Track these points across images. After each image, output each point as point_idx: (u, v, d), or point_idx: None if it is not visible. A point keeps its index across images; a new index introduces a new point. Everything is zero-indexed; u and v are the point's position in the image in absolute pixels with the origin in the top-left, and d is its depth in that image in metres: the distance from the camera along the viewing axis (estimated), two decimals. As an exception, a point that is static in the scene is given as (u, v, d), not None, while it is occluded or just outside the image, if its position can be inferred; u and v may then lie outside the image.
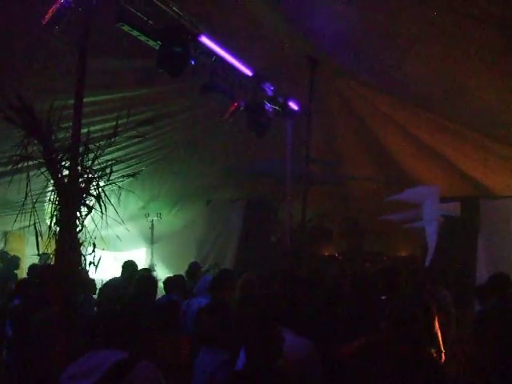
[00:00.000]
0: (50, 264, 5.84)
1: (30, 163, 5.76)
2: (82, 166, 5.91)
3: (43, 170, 5.89)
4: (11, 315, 7.27)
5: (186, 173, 14.68)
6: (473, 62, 8.13)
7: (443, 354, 7.33)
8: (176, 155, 13.84)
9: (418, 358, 4.47)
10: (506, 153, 10.92)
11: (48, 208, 5.88)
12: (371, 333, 5.21)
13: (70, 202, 5.73)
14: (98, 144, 6.07)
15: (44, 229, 5.82)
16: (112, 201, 6.18)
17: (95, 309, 7.80)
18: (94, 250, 5.98)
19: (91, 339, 4.05)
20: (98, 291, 8.42)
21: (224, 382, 4.65)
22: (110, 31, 7.13)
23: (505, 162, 11.39)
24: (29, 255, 12.41)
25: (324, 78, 11.78)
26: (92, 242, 5.97)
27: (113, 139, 6.09)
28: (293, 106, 11.73)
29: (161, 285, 8.60)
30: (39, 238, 5.73)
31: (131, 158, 11.95)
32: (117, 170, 6.57)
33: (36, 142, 5.73)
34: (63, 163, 5.83)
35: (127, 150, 11.20)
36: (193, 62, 8.28)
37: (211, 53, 8.71)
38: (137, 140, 9.12)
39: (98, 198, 5.94)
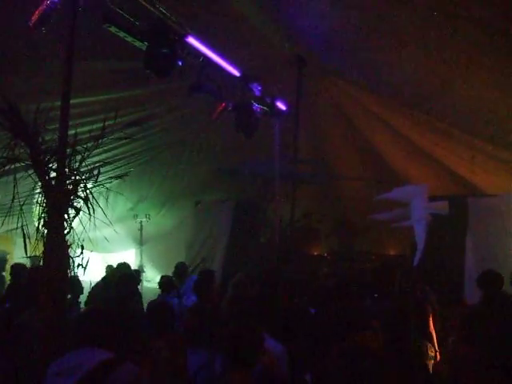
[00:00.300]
0: (39, 266, 5.83)
1: (17, 165, 5.74)
2: (69, 168, 5.89)
3: (30, 172, 5.87)
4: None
5: (175, 174, 14.66)
6: (460, 61, 8.16)
7: (438, 353, 7.38)
8: (164, 156, 13.82)
9: (407, 358, 4.47)
10: (493, 152, 10.97)
11: (36, 210, 5.86)
12: (357, 334, 5.21)
13: (58, 204, 5.71)
14: (85, 146, 6.06)
15: (32, 231, 5.80)
16: (100, 202, 6.17)
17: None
18: (82, 252, 5.97)
19: (75, 337, 4.02)
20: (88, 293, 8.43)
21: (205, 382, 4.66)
22: (97, 32, 7.11)
23: (492, 161, 11.44)
24: (17, 257, 12.36)
25: (312, 78, 11.80)
26: (80, 243, 5.95)
27: (100, 141, 6.08)
28: (281, 105, 11.72)
29: (151, 285, 8.61)
30: (27, 241, 5.71)
31: (119, 160, 11.91)
32: (104, 172, 6.54)
33: (23, 144, 5.70)
34: (50, 165, 5.81)
35: (115, 152, 11.16)
36: (180, 63, 8.25)
37: (198, 53, 8.68)
38: (124, 141, 9.10)
39: (85, 199, 5.92)
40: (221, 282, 9.52)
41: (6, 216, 5.67)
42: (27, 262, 9.12)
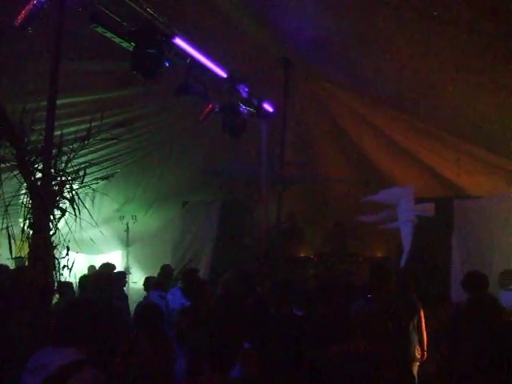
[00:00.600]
0: (24, 267, 5.81)
1: (3, 166, 5.71)
2: (55, 169, 5.87)
3: (16, 172, 5.85)
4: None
5: (161, 175, 14.62)
6: (445, 64, 8.20)
7: (426, 352, 7.45)
8: (151, 157, 13.79)
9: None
10: (478, 153, 11.03)
11: (21, 211, 5.83)
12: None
13: (44, 205, 5.68)
14: (71, 146, 6.04)
15: (17, 232, 5.78)
16: (86, 203, 6.15)
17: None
18: (67, 254, 5.95)
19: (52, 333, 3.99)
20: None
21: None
22: (84, 33, 7.08)
23: (477, 163, 11.50)
24: (2, 259, 12.29)
25: (299, 80, 11.82)
26: (66, 245, 5.93)
27: (86, 141, 6.07)
28: (267, 107, 11.73)
29: (138, 286, 8.59)
30: (12, 241, 5.69)
31: (105, 161, 11.86)
32: (91, 173, 6.54)
33: (8, 144, 5.68)
34: (36, 166, 5.79)
35: (101, 153, 11.11)
36: (167, 64, 8.23)
37: (186, 54, 8.67)
38: (111, 142, 9.07)
39: (71, 200, 5.91)
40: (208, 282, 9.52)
41: (-9, 217, 5.65)
42: (12, 263, 9.09)
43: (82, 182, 6.08)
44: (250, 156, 13.55)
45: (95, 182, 6.50)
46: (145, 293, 9.30)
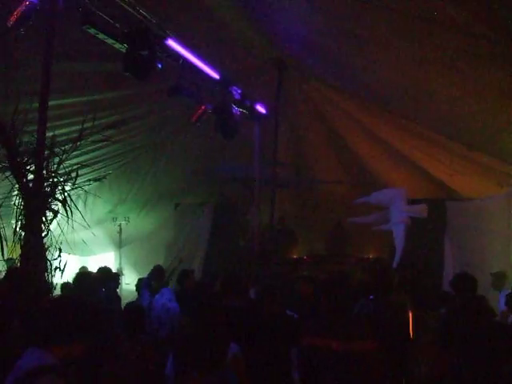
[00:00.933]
0: (16, 268, 5.78)
1: (-5, 167, 5.70)
2: (47, 170, 5.86)
3: (8, 174, 5.83)
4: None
5: (154, 176, 14.61)
6: (437, 66, 8.21)
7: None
8: (143, 159, 13.77)
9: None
10: (470, 155, 11.05)
11: (13, 212, 5.82)
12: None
13: (36, 206, 5.67)
14: (63, 148, 6.02)
15: (9, 233, 5.76)
16: (78, 205, 6.14)
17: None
18: (59, 255, 5.93)
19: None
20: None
21: None
22: (76, 34, 7.06)
23: (470, 165, 11.53)
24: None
25: (292, 82, 11.83)
26: (58, 246, 5.92)
27: (78, 143, 6.05)
28: (260, 109, 11.73)
29: (130, 288, 8.57)
30: (4, 243, 5.67)
31: (97, 162, 11.84)
32: (83, 174, 6.52)
33: (0, 145, 5.66)
34: (28, 167, 5.77)
35: (93, 154, 11.09)
36: (160, 66, 8.22)
37: (178, 56, 8.66)
38: (103, 144, 9.04)
39: (63, 202, 5.89)
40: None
41: (-18, 218, 5.63)
42: (3, 265, 9.05)
43: (74, 184, 6.07)
44: (243, 157, 13.54)
45: (88, 183, 6.49)
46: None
